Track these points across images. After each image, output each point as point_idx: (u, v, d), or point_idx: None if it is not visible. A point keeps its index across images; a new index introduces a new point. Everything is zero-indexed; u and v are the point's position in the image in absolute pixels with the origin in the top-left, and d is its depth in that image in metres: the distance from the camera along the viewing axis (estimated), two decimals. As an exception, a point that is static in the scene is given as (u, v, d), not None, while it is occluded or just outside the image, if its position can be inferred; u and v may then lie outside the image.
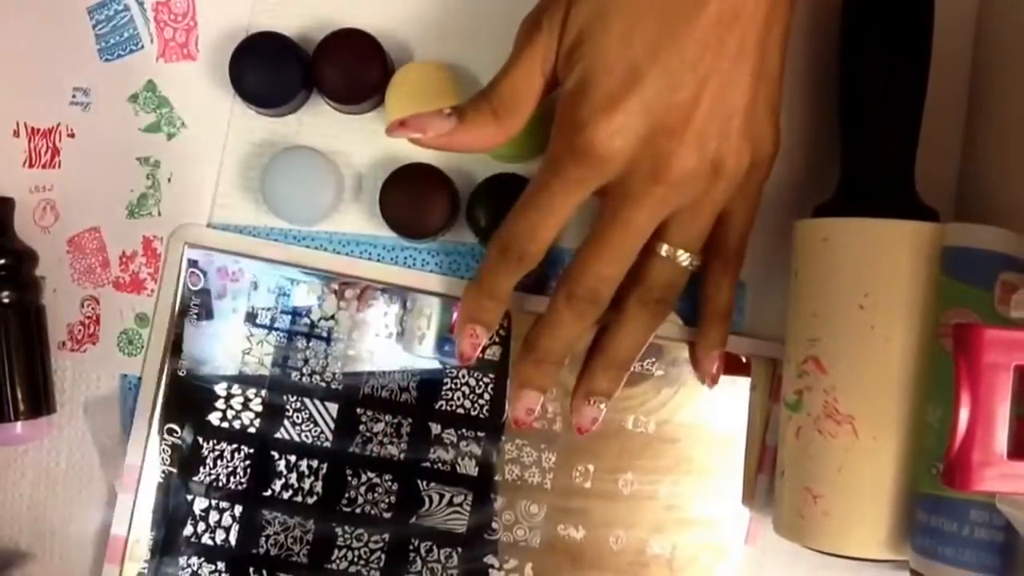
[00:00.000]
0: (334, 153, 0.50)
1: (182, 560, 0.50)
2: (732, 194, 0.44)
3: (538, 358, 0.46)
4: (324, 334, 0.50)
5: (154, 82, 0.50)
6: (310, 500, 0.50)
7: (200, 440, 0.50)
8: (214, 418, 0.50)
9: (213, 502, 0.50)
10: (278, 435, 0.50)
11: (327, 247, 0.50)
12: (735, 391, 0.50)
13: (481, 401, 0.50)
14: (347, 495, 0.50)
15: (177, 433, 0.50)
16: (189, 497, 0.50)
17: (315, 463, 0.50)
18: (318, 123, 0.50)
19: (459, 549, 0.50)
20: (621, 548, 0.50)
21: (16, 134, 0.51)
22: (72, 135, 0.51)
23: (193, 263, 0.50)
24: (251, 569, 0.50)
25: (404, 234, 0.49)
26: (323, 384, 0.50)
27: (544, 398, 0.47)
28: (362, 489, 0.50)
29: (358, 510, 0.50)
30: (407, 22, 0.50)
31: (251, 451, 0.50)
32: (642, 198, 0.41)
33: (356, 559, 0.50)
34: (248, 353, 0.50)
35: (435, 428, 0.50)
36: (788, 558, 0.50)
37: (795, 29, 0.44)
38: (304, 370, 0.50)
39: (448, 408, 0.50)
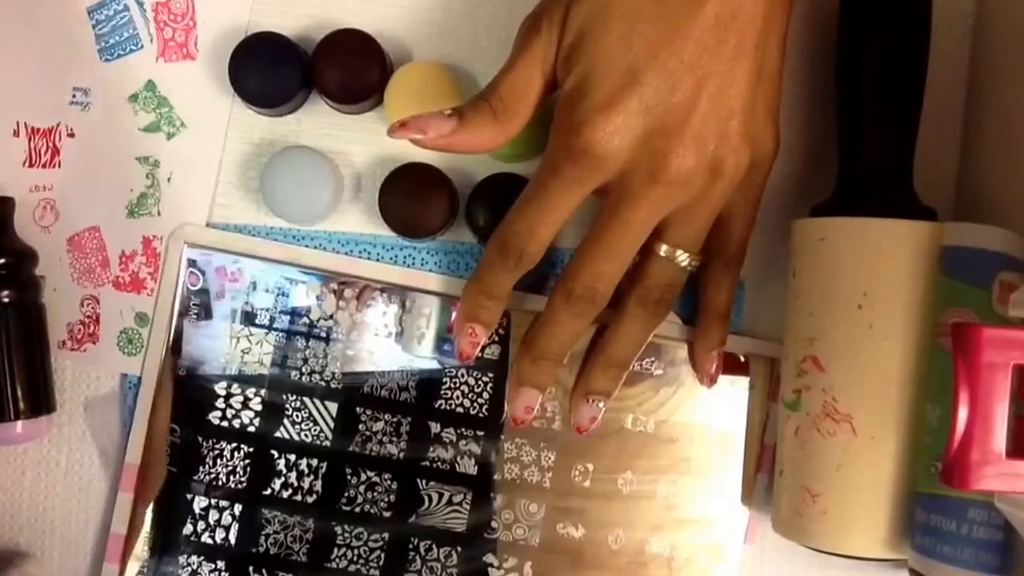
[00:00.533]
0: (333, 153, 0.50)
1: (182, 559, 0.50)
2: (731, 194, 0.44)
3: (536, 356, 0.46)
4: (323, 334, 0.50)
5: (154, 82, 0.50)
6: (310, 499, 0.50)
7: (200, 439, 0.50)
8: (214, 417, 0.50)
9: (213, 501, 0.50)
10: (278, 434, 0.50)
11: (326, 247, 0.50)
12: (734, 390, 0.50)
13: (480, 400, 0.50)
14: (347, 494, 0.50)
15: (177, 432, 0.50)
16: (189, 496, 0.50)
17: (315, 462, 0.50)
18: (317, 123, 0.50)
19: (458, 548, 0.50)
20: (620, 547, 0.50)
21: (16, 134, 0.51)
22: (72, 135, 0.51)
23: (192, 263, 0.50)
24: (251, 568, 0.50)
25: (403, 233, 0.49)
26: (323, 383, 0.50)
27: (543, 397, 0.47)
28: (361, 488, 0.50)
29: (358, 509, 0.50)
30: (406, 22, 0.50)
31: (251, 450, 0.50)
32: (640, 198, 0.42)
33: (356, 558, 0.50)
34: (247, 353, 0.50)
35: (434, 427, 0.50)
36: (787, 557, 0.50)
37: (793, 29, 0.44)
38: (303, 369, 0.50)
39: (447, 407, 0.50)
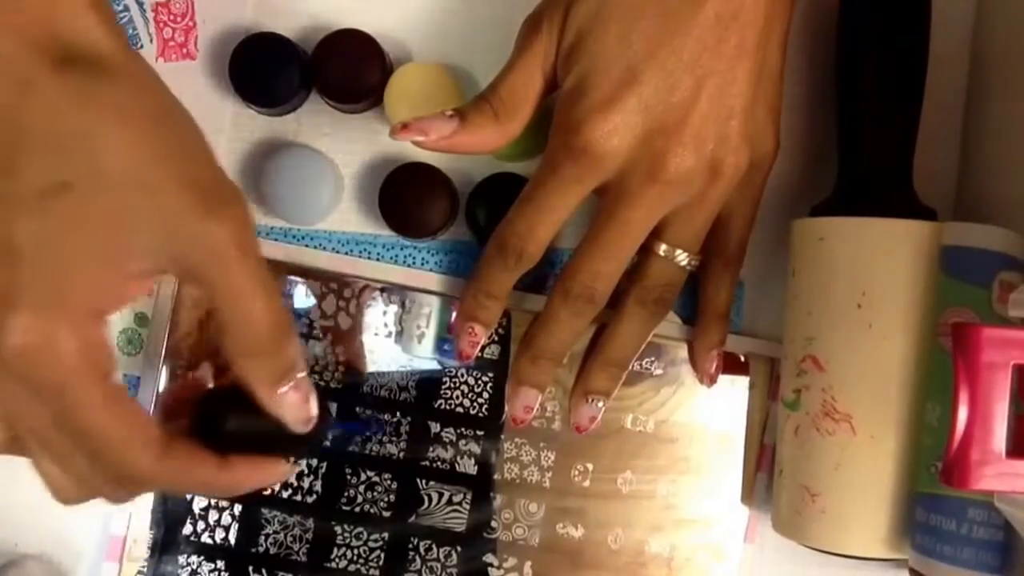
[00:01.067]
0: (333, 152, 0.50)
1: (181, 559, 0.50)
2: (731, 194, 0.44)
3: (535, 356, 0.46)
4: (323, 334, 0.50)
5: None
6: (309, 499, 0.50)
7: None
8: (213, 417, 0.50)
9: (212, 501, 0.50)
10: (277, 434, 0.50)
11: (326, 246, 0.50)
12: (734, 390, 0.50)
13: (480, 400, 0.50)
14: (346, 494, 0.50)
15: (176, 432, 0.50)
16: (188, 496, 0.50)
17: (314, 462, 0.50)
18: (317, 123, 0.50)
19: (458, 548, 0.50)
20: (620, 547, 0.50)
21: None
22: (71, 134, 0.51)
23: (192, 262, 0.50)
24: (250, 568, 0.50)
25: (403, 233, 0.49)
26: (322, 383, 0.50)
27: (542, 397, 0.48)
28: (361, 488, 0.50)
29: (357, 509, 0.50)
30: (406, 22, 0.50)
31: (250, 450, 0.50)
32: (639, 197, 0.42)
33: (355, 558, 0.50)
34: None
35: (434, 427, 0.50)
36: (787, 557, 0.50)
37: (793, 29, 0.44)
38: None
39: (447, 407, 0.50)
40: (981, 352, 0.35)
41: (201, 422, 0.37)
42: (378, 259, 0.50)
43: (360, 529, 0.50)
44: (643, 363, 0.50)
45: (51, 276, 0.32)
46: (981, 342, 0.35)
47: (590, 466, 0.50)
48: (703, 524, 0.50)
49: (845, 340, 0.44)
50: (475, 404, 0.50)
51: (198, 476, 0.36)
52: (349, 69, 0.48)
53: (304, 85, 0.48)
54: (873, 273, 0.43)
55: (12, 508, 0.51)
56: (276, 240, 0.50)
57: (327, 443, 0.49)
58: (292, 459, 0.37)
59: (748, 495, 0.50)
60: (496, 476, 0.50)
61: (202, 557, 0.50)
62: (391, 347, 0.50)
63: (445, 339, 0.50)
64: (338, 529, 0.50)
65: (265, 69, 0.48)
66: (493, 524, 0.50)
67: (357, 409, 0.50)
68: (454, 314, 0.48)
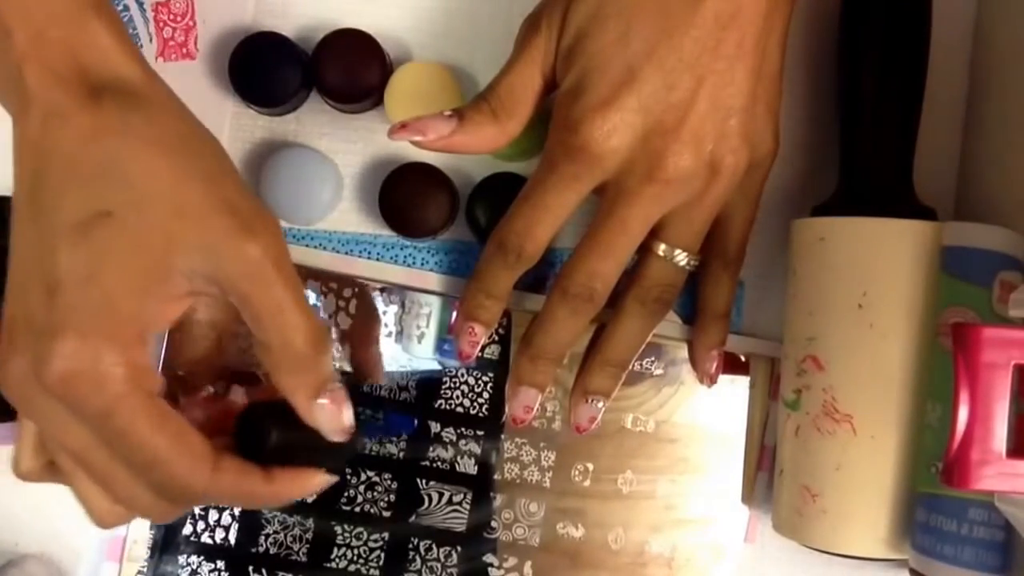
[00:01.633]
0: (333, 152, 0.50)
1: (181, 559, 0.50)
2: (730, 194, 0.44)
3: (534, 355, 0.46)
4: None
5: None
6: (309, 499, 0.50)
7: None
8: (213, 417, 0.50)
9: (212, 501, 0.50)
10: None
11: (326, 246, 0.50)
12: (734, 390, 0.50)
13: (480, 400, 0.50)
14: (346, 494, 0.50)
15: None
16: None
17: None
18: (317, 122, 0.50)
19: (458, 548, 0.50)
20: (620, 547, 0.50)
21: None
22: (72, 134, 0.51)
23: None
24: (250, 568, 0.50)
25: (403, 233, 0.49)
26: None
27: (542, 396, 0.47)
28: (361, 488, 0.50)
29: (357, 509, 0.50)
30: (406, 22, 0.50)
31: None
32: (637, 196, 0.42)
33: (355, 558, 0.50)
34: (246, 352, 0.50)
35: (434, 427, 0.50)
36: (787, 557, 0.50)
37: (793, 29, 0.44)
38: (303, 369, 0.50)
39: (447, 407, 0.50)
40: (981, 352, 0.35)
41: (243, 436, 0.38)
42: (378, 259, 0.50)
43: (360, 529, 0.50)
44: (643, 363, 0.50)
45: (95, 303, 0.33)
46: (981, 342, 0.35)
47: (590, 466, 0.50)
48: (703, 524, 0.50)
49: (846, 340, 0.44)
50: (475, 404, 0.50)
51: (246, 489, 0.37)
52: (349, 69, 0.48)
53: (304, 85, 0.48)
54: (874, 273, 0.43)
55: (13, 508, 0.51)
56: (276, 240, 0.50)
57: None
58: (330, 468, 0.38)
59: (748, 495, 0.50)
60: (496, 476, 0.50)
61: (202, 557, 0.50)
62: (391, 347, 0.50)
63: (445, 339, 0.50)
64: (338, 529, 0.50)
65: (265, 69, 0.48)
66: (493, 524, 0.50)
67: (357, 409, 0.50)
68: (454, 314, 0.48)
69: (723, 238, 0.46)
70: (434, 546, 0.50)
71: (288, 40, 0.48)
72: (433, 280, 0.50)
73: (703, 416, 0.50)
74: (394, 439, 0.50)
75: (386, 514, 0.50)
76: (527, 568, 0.50)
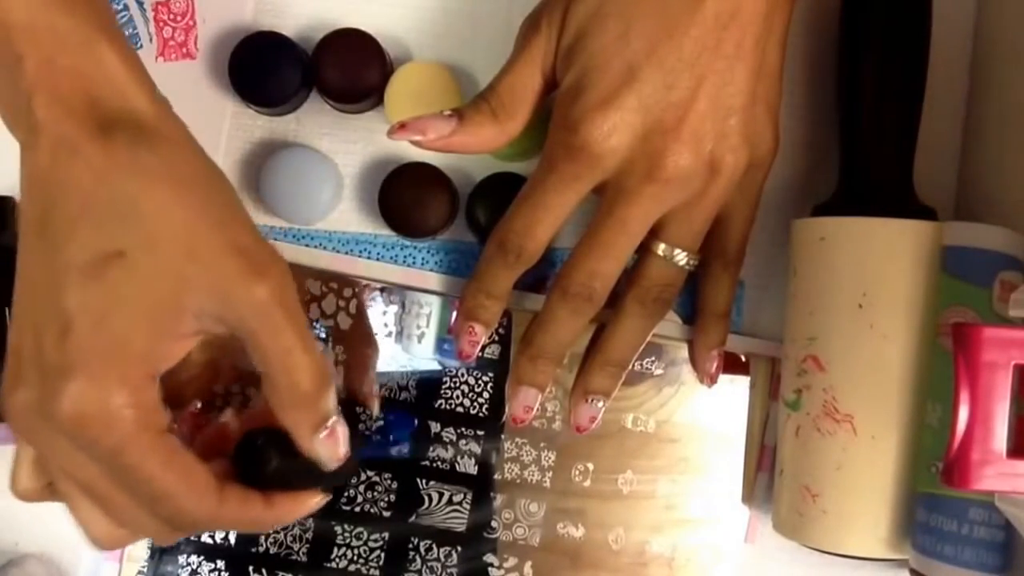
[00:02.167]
0: (333, 152, 0.50)
1: (181, 558, 0.50)
2: (730, 194, 0.44)
3: (534, 355, 0.46)
4: (323, 334, 0.50)
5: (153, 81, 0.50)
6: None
7: (200, 439, 0.50)
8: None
9: (212, 501, 0.50)
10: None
11: (326, 246, 0.50)
12: (734, 390, 0.50)
13: (480, 400, 0.50)
14: (346, 493, 0.50)
15: (176, 432, 0.50)
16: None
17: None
18: (317, 122, 0.50)
19: (458, 548, 0.50)
20: (621, 547, 0.50)
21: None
22: (72, 134, 0.51)
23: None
24: (250, 567, 0.50)
25: (403, 233, 0.49)
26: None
27: (542, 396, 0.47)
28: (361, 487, 0.50)
29: (357, 508, 0.50)
30: (407, 22, 0.50)
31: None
32: (637, 196, 0.42)
33: (355, 557, 0.50)
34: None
35: (435, 426, 0.50)
36: (788, 557, 0.50)
37: (794, 29, 0.44)
38: (303, 369, 0.50)
39: (447, 407, 0.50)
40: (982, 352, 0.35)
41: (242, 461, 0.38)
42: (378, 259, 0.50)
43: (360, 529, 0.50)
44: (643, 363, 0.50)
45: (107, 345, 0.33)
46: (982, 342, 0.35)
47: (591, 466, 0.50)
48: (704, 524, 0.50)
49: (846, 340, 0.44)
50: (475, 404, 0.50)
51: (248, 516, 0.37)
52: (349, 69, 0.48)
53: (304, 85, 0.48)
54: (874, 273, 0.43)
55: (13, 508, 0.51)
56: (276, 240, 0.50)
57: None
58: (327, 489, 0.40)
59: (749, 495, 0.50)
60: (496, 476, 0.50)
61: (202, 557, 0.50)
62: (391, 347, 0.50)
63: (445, 339, 0.50)
64: (338, 529, 0.50)
65: (265, 69, 0.48)
66: (493, 524, 0.50)
67: (357, 409, 0.50)
68: (454, 314, 0.48)
69: (723, 238, 0.46)
70: (434, 546, 0.50)
71: (288, 40, 0.48)
72: (433, 280, 0.50)
73: (703, 416, 0.50)
74: (393, 453, 0.50)
75: (386, 514, 0.50)
76: (527, 568, 0.50)
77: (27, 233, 0.34)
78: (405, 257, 0.50)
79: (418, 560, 0.50)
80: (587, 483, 0.50)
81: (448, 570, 0.50)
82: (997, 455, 0.35)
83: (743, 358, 0.50)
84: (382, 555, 0.50)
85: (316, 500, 0.39)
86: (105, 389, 0.33)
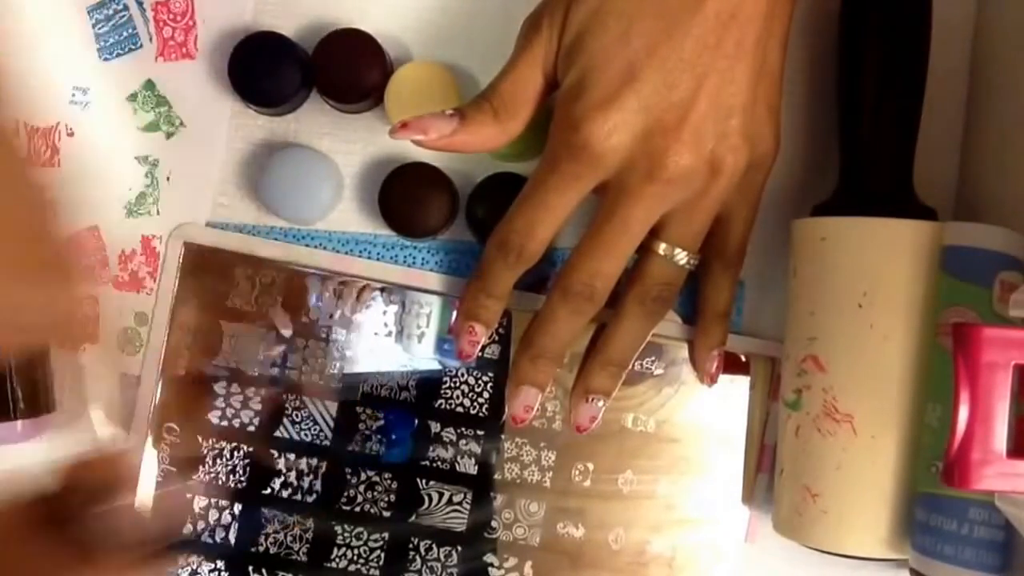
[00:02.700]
0: (333, 152, 0.50)
1: (181, 559, 0.50)
2: (731, 193, 0.44)
3: (535, 355, 0.46)
4: (323, 333, 0.50)
5: (153, 81, 0.50)
6: (309, 499, 0.50)
7: (199, 439, 0.50)
8: (213, 417, 0.50)
9: (212, 500, 0.50)
10: (277, 434, 0.50)
11: (326, 246, 0.50)
12: (734, 390, 0.50)
13: (480, 400, 0.50)
14: (346, 494, 0.50)
15: (176, 432, 0.50)
16: (188, 495, 0.50)
17: (314, 461, 0.50)
18: (317, 122, 0.50)
19: (459, 548, 0.50)
20: (621, 547, 0.50)
21: (15, 133, 0.51)
22: (71, 134, 0.51)
23: (192, 262, 0.50)
24: (250, 568, 0.50)
25: (403, 233, 0.49)
26: (322, 383, 0.50)
27: (543, 396, 0.47)
28: (361, 488, 0.50)
29: (357, 508, 0.50)
30: (407, 22, 0.50)
31: (250, 450, 0.50)
32: (638, 195, 0.42)
33: (356, 558, 0.50)
34: (247, 352, 0.50)
35: (435, 427, 0.50)
36: (788, 557, 0.50)
37: (794, 29, 0.44)
38: (303, 369, 0.50)
39: (448, 407, 0.50)
40: (982, 352, 0.35)
41: None
42: (378, 259, 0.50)
43: (360, 529, 0.50)
44: (644, 363, 0.50)
45: None
46: (982, 342, 0.35)
47: (591, 466, 0.50)
48: (704, 524, 0.50)
49: (846, 340, 0.44)
50: (475, 404, 0.50)
51: None
52: (349, 69, 0.48)
53: (304, 85, 0.48)
54: (874, 273, 0.43)
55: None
56: (276, 240, 0.50)
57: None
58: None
59: (749, 495, 0.50)
60: (496, 476, 0.50)
61: (202, 557, 0.50)
62: (391, 347, 0.50)
63: (445, 339, 0.50)
64: (338, 529, 0.50)
65: (265, 69, 0.48)
66: (493, 524, 0.50)
67: (357, 409, 0.50)
68: (454, 314, 0.48)
69: (724, 238, 0.46)
70: (434, 546, 0.50)
71: (288, 40, 0.48)
72: (433, 280, 0.50)
73: (704, 416, 0.50)
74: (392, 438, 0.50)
75: (386, 514, 0.50)
76: (527, 568, 0.50)
77: None
78: (405, 257, 0.50)
79: (418, 560, 0.50)
80: (587, 483, 0.50)
81: (448, 570, 0.50)
82: (997, 455, 0.35)
83: (743, 358, 0.50)
84: (382, 555, 0.50)
85: None
86: None
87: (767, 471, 0.50)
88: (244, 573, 0.50)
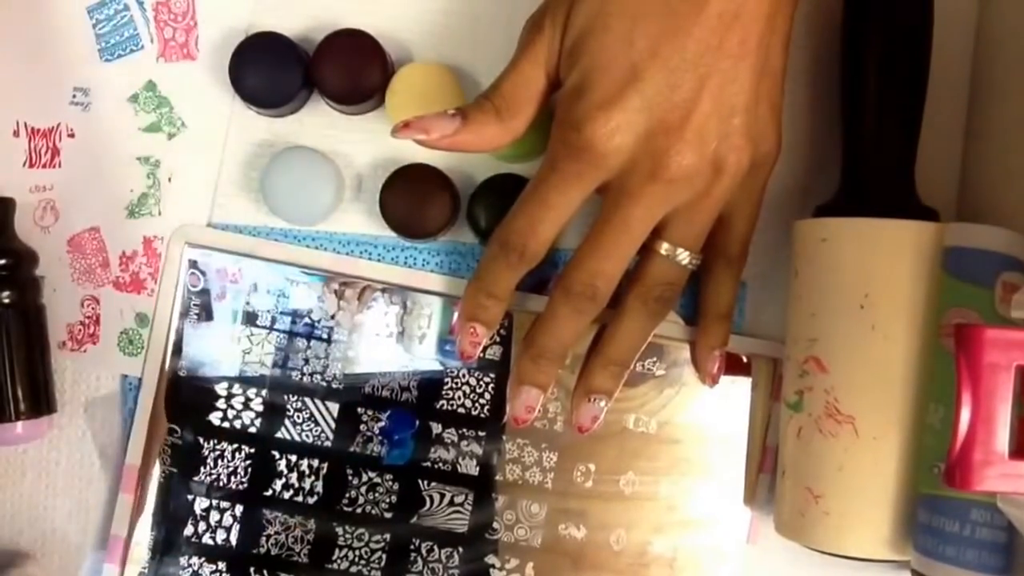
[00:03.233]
0: (334, 153, 0.50)
1: (183, 560, 0.50)
2: (733, 193, 0.44)
3: (536, 355, 0.46)
4: (324, 334, 0.50)
5: (154, 82, 0.50)
6: (311, 500, 0.50)
7: (201, 440, 0.50)
8: (215, 418, 0.50)
9: (214, 502, 0.50)
10: (279, 435, 0.50)
11: (327, 247, 0.50)
12: (736, 391, 0.50)
13: (482, 401, 0.50)
14: (348, 495, 0.50)
15: (177, 433, 0.50)
16: (190, 497, 0.50)
17: (316, 463, 0.50)
18: (318, 123, 0.50)
19: (460, 549, 0.50)
20: (622, 548, 0.50)
21: (16, 134, 0.51)
22: (72, 135, 0.51)
23: (193, 263, 0.50)
24: (252, 569, 0.50)
25: (404, 234, 0.49)
26: (324, 384, 0.50)
27: (544, 397, 0.47)
28: (363, 489, 0.50)
29: (359, 510, 0.50)
30: (408, 23, 0.50)
31: (252, 451, 0.50)
32: (640, 195, 0.41)
33: (357, 559, 0.50)
34: (248, 353, 0.50)
35: (436, 428, 0.50)
36: (790, 558, 0.50)
37: (796, 29, 0.44)
38: (305, 370, 0.50)
39: (449, 408, 0.50)
40: (984, 353, 0.35)
41: None
42: (379, 260, 0.50)
43: (362, 530, 0.50)
44: (645, 364, 0.50)
45: None
46: (984, 343, 0.35)
47: (592, 467, 0.50)
48: (705, 525, 0.50)
49: (848, 341, 0.44)
50: (477, 405, 0.50)
51: None
52: (350, 70, 0.48)
53: (305, 86, 0.48)
54: (876, 274, 0.43)
55: (13, 508, 0.51)
56: (277, 240, 0.50)
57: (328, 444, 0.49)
58: None
59: (750, 496, 0.50)
60: (498, 477, 0.50)
61: (203, 558, 0.50)
62: (392, 348, 0.50)
63: (447, 340, 0.50)
64: (339, 530, 0.50)
65: (266, 69, 0.48)
66: (495, 525, 0.50)
67: (359, 410, 0.50)
68: (455, 314, 0.48)
69: (726, 238, 0.46)
70: (436, 547, 0.50)
71: (289, 41, 0.48)
72: (434, 281, 0.50)
73: (705, 417, 0.50)
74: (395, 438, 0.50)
75: (387, 515, 0.50)
76: (529, 569, 0.50)
77: None
78: (406, 258, 0.50)
79: (419, 561, 0.50)
80: (589, 484, 0.50)
81: (449, 571, 0.50)
82: (999, 456, 0.35)
83: (745, 359, 0.50)
84: (383, 556, 0.50)
85: None
86: None
87: (769, 472, 0.50)
88: (245, 574, 0.50)
